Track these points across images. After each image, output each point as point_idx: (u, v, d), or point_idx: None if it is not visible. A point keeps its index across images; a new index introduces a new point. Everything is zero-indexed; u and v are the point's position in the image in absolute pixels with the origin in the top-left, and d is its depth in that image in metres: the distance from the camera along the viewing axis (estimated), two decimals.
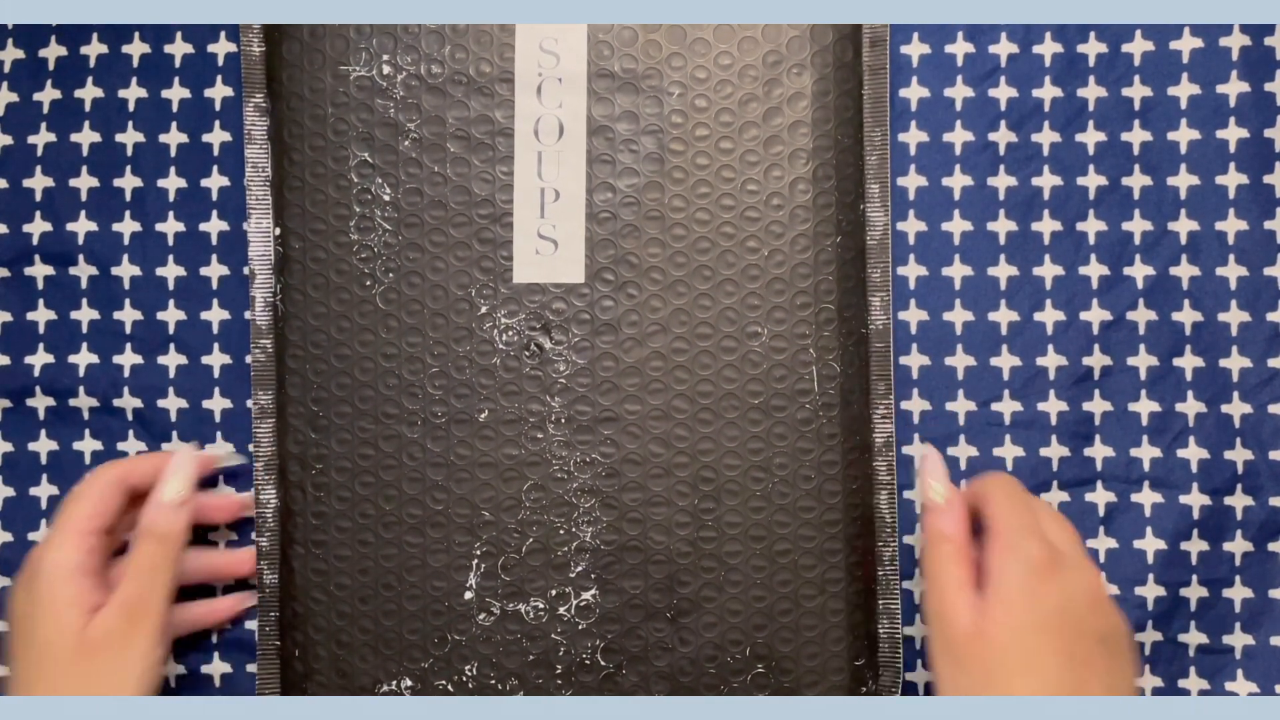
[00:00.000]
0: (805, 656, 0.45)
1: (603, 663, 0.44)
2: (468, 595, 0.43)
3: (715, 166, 0.45)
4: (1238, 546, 0.49)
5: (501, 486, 0.43)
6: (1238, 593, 0.49)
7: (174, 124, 0.51)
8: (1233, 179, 0.50)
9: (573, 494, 0.44)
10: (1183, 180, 0.50)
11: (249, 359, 0.49)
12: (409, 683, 0.44)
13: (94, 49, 0.51)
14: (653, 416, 0.44)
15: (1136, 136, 0.50)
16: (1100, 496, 0.49)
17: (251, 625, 0.50)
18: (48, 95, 0.51)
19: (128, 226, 0.51)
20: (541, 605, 0.44)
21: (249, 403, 0.50)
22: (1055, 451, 0.50)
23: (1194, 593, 0.49)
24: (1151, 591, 0.49)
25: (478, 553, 0.44)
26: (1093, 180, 0.50)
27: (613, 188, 0.44)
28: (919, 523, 0.48)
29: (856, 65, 0.46)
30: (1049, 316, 0.50)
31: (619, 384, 0.44)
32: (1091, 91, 0.50)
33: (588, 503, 0.44)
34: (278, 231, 0.45)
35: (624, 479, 0.44)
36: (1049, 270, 0.50)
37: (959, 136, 0.50)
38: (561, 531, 0.44)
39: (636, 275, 0.44)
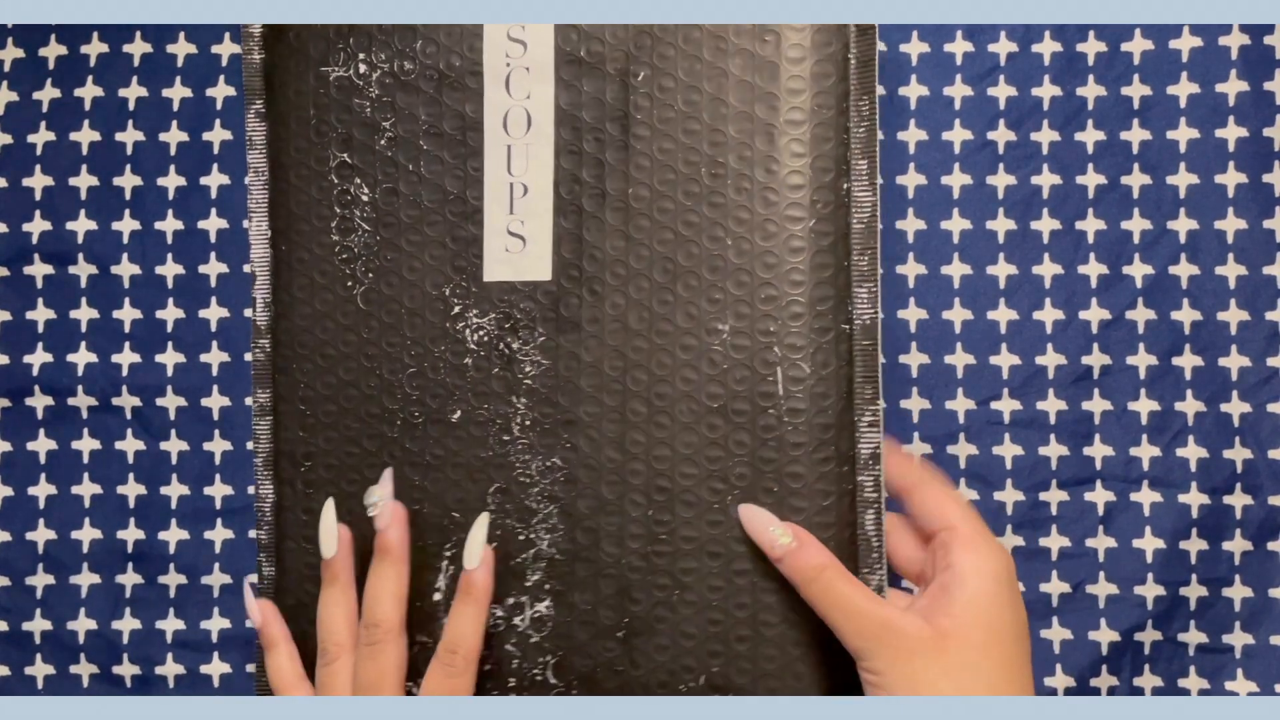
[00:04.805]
0: (763, 690, 0.40)
1: (553, 680, 0.41)
2: (436, 597, 0.42)
3: (679, 150, 0.41)
4: (1237, 545, 0.49)
5: (470, 488, 0.42)
6: (1237, 592, 0.49)
7: (174, 123, 0.51)
8: (1232, 178, 0.50)
9: (534, 499, 0.42)
10: (1182, 179, 0.50)
11: (248, 357, 0.49)
12: None
13: (94, 48, 0.52)
14: (610, 419, 0.41)
15: (1136, 135, 0.50)
16: (1099, 495, 0.49)
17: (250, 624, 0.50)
18: (47, 94, 0.52)
19: (127, 225, 0.51)
20: (500, 613, 0.41)
21: (247, 400, 0.50)
22: (1054, 450, 0.49)
23: (1193, 592, 0.49)
24: (1151, 591, 0.49)
25: (447, 554, 0.42)
26: (1092, 179, 0.50)
27: (578, 179, 0.42)
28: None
29: (842, 28, 0.41)
30: (1048, 315, 0.50)
31: (579, 385, 0.42)
32: (1091, 90, 0.50)
33: (547, 509, 0.42)
34: (271, 233, 0.45)
35: (580, 485, 0.41)
36: (1048, 269, 0.50)
37: (958, 135, 0.50)
38: (521, 538, 0.42)
39: (599, 270, 0.41)
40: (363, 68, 0.42)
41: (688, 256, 0.41)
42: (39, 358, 0.51)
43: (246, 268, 0.50)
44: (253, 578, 0.49)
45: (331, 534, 0.42)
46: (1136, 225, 0.50)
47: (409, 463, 0.42)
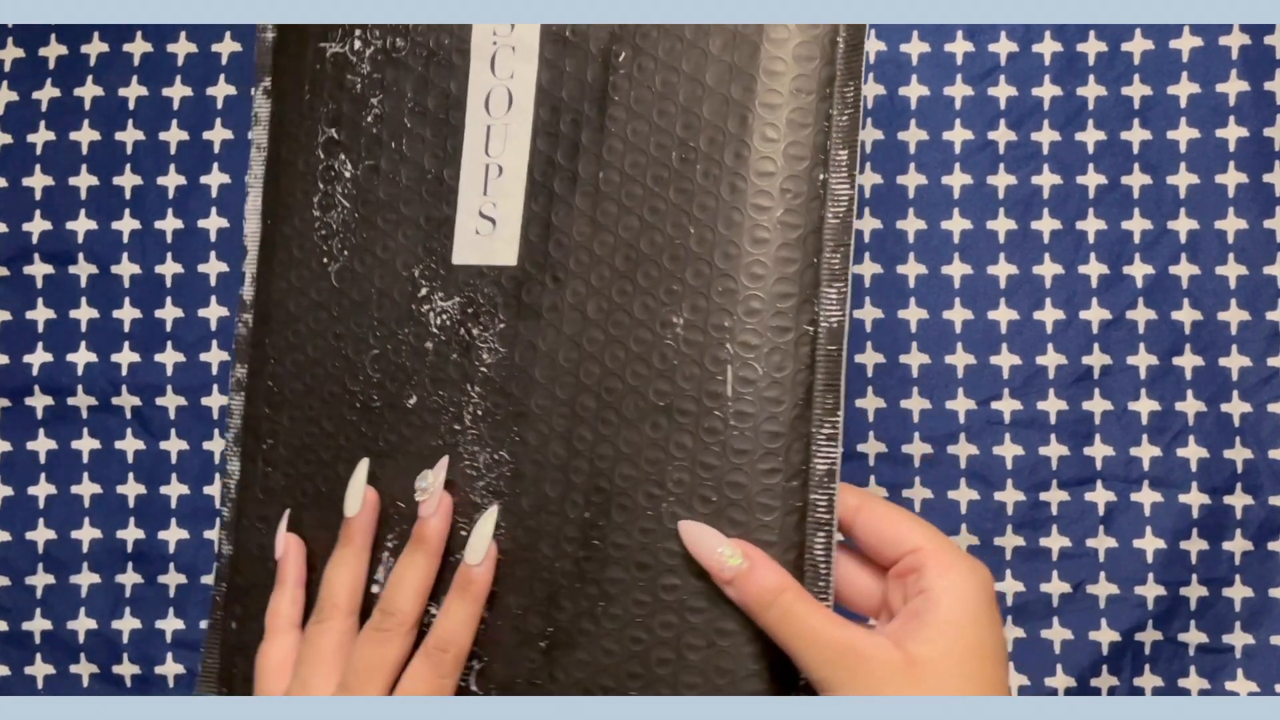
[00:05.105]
0: None
1: (474, 688, 0.39)
2: (374, 589, 0.41)
3: (652, 132, 0.38)
4: (1237, 545, 0.49)
5: (418, 478, 0.41)
6: (1237, 592, 0.49)
7: (174, 122, 0.51)
8: (1232, 178, 0.50)
9: (479, 493, 0.39)
10: (1182, 179, 0.50)
11: (235, 330, 0.49)
12: None
13: (94, 48, 0.52)
14: (559, 413, 0.38)
15: (1136, 135, 0.50)
16: (1100, 495, 0.49)
17: None
18: (47, 94, 0.52)
19: (127, 224, 0.51)
20: (434, 610, 0.39)
21: None
22: (1055, 450, 0.49)
23: (1194, 592, 0.49)
24: (1151, 591, 0.49)
25: (389, 545, 0.40)
26: (1092, 179, 0.50)
27: (552, 161, 0.39)
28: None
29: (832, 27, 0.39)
30: (1048, 315, 0.50)
31: (533, 375, 0.39)
32: (1091, 90, 0.50)
33: (490, 504, 0.39)
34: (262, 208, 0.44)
35: (524, 481, 0.39)
36: (1049, 269, 0.50)
37: (958, 135, 0.50)
38: (464, 533, 0.39)
39: (563, 256, 0.39)
40: (358, 44, 0.42)
41: (650, 244, 0.38)
42: (39, 357, 0.51)
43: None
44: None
45: (358, 493, 0.40)
46: (1137, 225, 0.50)
47: (363, 448, 0.41)
